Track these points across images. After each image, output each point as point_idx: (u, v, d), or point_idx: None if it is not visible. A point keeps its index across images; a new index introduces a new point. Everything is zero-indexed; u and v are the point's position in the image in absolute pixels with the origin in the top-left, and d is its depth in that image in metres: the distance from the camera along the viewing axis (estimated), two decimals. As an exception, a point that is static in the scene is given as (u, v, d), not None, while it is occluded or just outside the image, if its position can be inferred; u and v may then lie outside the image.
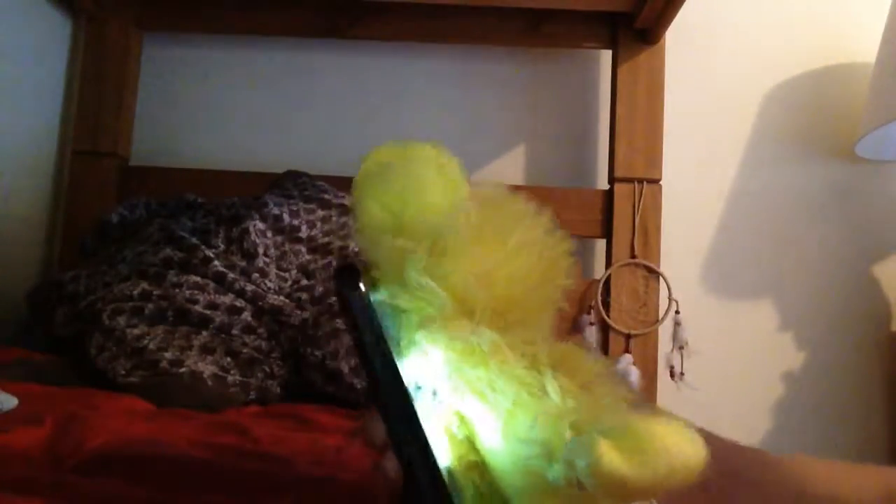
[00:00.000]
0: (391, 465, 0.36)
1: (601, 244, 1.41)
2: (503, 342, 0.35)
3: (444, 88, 1.52)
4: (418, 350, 0.36)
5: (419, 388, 0.36)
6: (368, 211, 0.39)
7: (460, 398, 0.35)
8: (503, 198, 0.42)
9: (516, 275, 0.38)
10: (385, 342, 0.36)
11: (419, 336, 0.36)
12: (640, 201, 1.35)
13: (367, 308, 0.36)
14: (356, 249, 1.12)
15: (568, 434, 0.31)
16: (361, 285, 0.37)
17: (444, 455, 0.35)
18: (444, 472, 0.34)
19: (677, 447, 0.28)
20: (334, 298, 1.06)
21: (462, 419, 0.36)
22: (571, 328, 1.34)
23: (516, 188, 1.38)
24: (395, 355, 0.36)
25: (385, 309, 0.37)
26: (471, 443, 0.35)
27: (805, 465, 0.46)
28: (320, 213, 1.16)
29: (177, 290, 1.00)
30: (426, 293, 0.36)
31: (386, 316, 0.37)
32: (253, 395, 0.95)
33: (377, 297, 0.37)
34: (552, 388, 0.33)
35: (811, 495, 0.44)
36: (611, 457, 0.27)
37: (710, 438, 0.44)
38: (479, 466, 0.35)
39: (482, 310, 0.36)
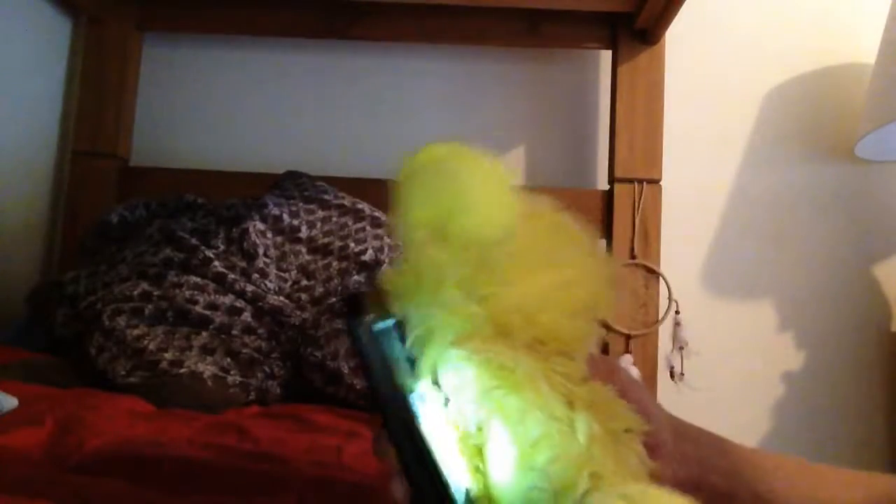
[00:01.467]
0: (399, 488, 0.36)
1: (601, 244, 1.41)
2: (541, 372, 0.34)
3: (444, 89, 1.52)
4: (448, 366, 0.35)
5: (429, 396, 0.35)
6: (415, 211, 0.38)
7: (484, 420, 0.34)
8: (554, 219, 0.40)
9: (562, 305, 0.36)
10: (395, 376, 0.35)
11: (452, 352, 0.35)
12: (639, 202, 1.35)
13: (375, 341, 0.36)
14: (356, 249, 1.12)
15: (585, 482, 0.30)
16: (367, 318, 0.36)
17: (449, 473, 0.35)
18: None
19: None
20: (334, 299, 1.06)
21: (469, 436, 0.35)
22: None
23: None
24: (408, 378, 0.35)
25: (411, 322, 0.36)
26: (476, 455, 0.35)
27: (792, 467, 0.47)
28: (320, 213, 1.16)
29: (177, 291, 1.00)
30: (465, 311, 0.35)
31: (410, 329, 0.36)
32: (253, 396, 0.95)
33: (395, 317, 0.36)
34: (582, 430, 0.32)
35: (797, 500, 0.44)
36: None
37: (707, 436, 0.44)
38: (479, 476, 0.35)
39: (522, 335, 0.35)
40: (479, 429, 0.35)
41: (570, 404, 0.34)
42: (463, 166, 0.39)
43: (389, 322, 0.37)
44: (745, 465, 0.45)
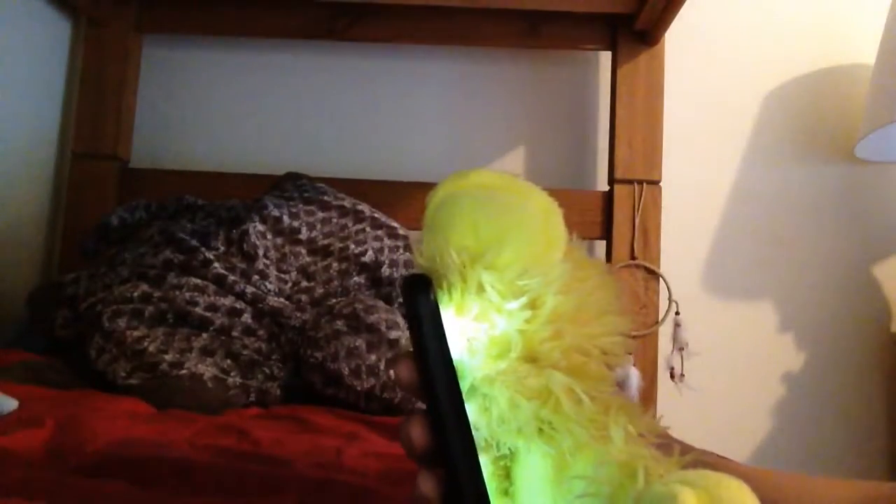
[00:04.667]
0: (428, 483, 0.35)
1: (601, 245, 1.41)
2: (576, 385, 0.34)
3: (444, 90, 1.52)
4: (480, 391, 0.35)
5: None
6: (460, 233, 0.36)
7: (515, 439, 0.34)
8: (588, 263, 0.39)
9: (586, 345, 0.36)
10: (450, 358, 0.35)
11: (480, 374, 0.35)
12: (639, 202, 1.36)
13: (438, 320, 0.35)
14: (356, 251, 1.12)
15: (641, 476, 0.30)
16: (432, 296, 0.35)
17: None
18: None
19: (744, 502, 0.29)
20: (334, 300, 1.06)
21: (502, 458, 0.35)
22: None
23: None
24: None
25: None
26: (505, 478, 0.35)
27: (792, 486, 0.46)
28: (320, 214, 1.16)
29: (177, 292, 1.00)
30: (503, 335, 0.35)
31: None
32: (253, 397, 0.95)
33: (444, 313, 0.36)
34: (617, 433, 0.32)
35: None
36: None
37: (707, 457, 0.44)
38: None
39: (552, 357, 0.35)
40: (511, 451, 0.34)
41: (605, 409, 0.34)
42: (522, 199, 0.38)
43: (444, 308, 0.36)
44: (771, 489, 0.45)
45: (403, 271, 1.13)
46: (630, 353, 0.40)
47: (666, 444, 0.41)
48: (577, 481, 0.32)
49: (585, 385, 0.34)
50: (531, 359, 0.35)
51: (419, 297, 0.35)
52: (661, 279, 1.35)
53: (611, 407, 0.34)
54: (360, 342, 0.98)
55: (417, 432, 0.35)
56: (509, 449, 0.34)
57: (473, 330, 0.35)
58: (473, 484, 0.33)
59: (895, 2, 1.29)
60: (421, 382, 0.35)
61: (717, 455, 0.45)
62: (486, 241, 0.36)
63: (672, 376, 1.39)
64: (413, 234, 1.20)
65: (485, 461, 0.35)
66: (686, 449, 0.42)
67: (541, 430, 0.33)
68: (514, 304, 0.35)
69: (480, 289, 0.35)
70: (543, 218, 0.38)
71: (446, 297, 0.36)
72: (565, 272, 0.36)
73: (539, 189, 0.40)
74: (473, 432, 0.34)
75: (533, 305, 0.35)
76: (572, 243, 0.40)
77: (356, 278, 1.10)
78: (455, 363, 0.35)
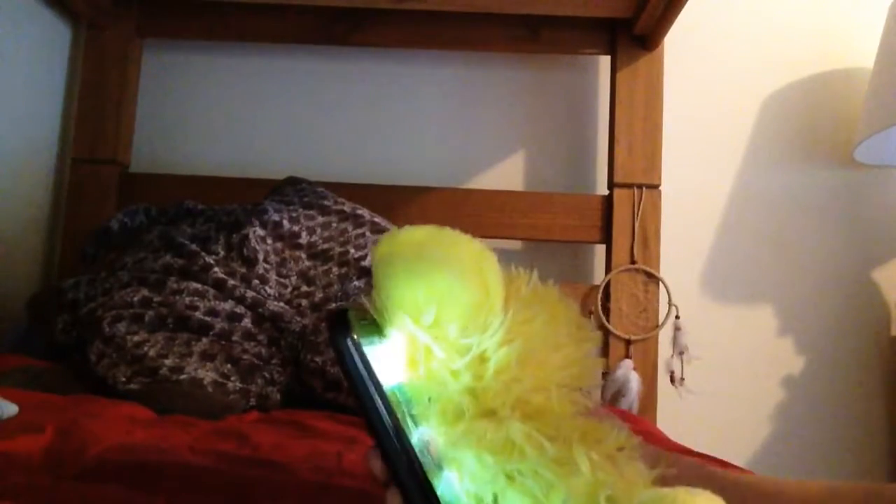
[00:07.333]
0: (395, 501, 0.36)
1: (601, 249, 1.41)
2: (533, 430, 0.35)
3: (444, 95, 1.52)
4: (448, 455, 0.36)
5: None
6: (398, 297, 0.37)
7: (496, 489, 0.35)
8: (534, 298, 0.39)
9: (544, 384, 0.37)
10: (381, 391, 0.36)
11: (443, 438, 0.36)
12: (639, 207, 1.36)
13: (362, 358, 0.36)
14: (356, 255, 1.12)
15: None
16: (354, 335, 0.36)
17: None
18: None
19: None
20: (334, 305, 1.06)
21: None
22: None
23: (516, 194, 1.38)
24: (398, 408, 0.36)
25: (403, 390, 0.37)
26: None
27: (792, 492, 0.46)
28: (320, 219, 1.16)
29: (177, 297, 1.00)
30: (454, 397, 0.36)
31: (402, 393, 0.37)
32: (253, 402, 0.95)
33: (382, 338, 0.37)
34: (582, 462, 0.33)
35: None
36: None
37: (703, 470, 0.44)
38: None
39: (506, 409, 0.36)
40: (495, 498, 0.35)
41: (565, 441, 0.35)
42: (453, 252, 0.38)
43: (376, 341, 0.37)
44: (744, 495, 0.45)
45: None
46: (601, 371, 0.41)
47: (654, 456, 0.41)
48: None
49: (548, 425, 0.35)
50: (489, 412, 0.36)
51: (338, 334, 0.36)
52: (660, 283, 1.35)
53: (573, 440, 0.35)
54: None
55: (374, 463, 0.37)
56: (494, 496, 0.35)
57: (427, 389, 0.36)
58: (420, 493, 0.35)
59: (893, 5, 1.29)
60: (359, 414, 0.37)
61: (720, 461, 0.45)
62: (422, 303, 0.36)
63: (672, 380, 1.39)
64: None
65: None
66: (671, 461, 0.43)
67: (511, 479, 0.34)
68: (458, 364, 0.36)
69: (427, 351, 0.36)
70: (475, 265, 0.38)
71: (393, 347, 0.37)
72: (508, 319, 0.36)
73: (467, 236, 0.39)
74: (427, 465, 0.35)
75: (481, 359, 0.36)
76: (516, 274, 0.40)
77: (356, 283, 1.10)
78: (388, 393, 0.36)
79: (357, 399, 0.36)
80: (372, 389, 0.36)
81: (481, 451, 0.35)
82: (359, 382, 0.36)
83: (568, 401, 0.37)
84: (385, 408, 0.35)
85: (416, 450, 0.35)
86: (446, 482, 0.35)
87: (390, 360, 0.37)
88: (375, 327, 0.38)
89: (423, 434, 0.36)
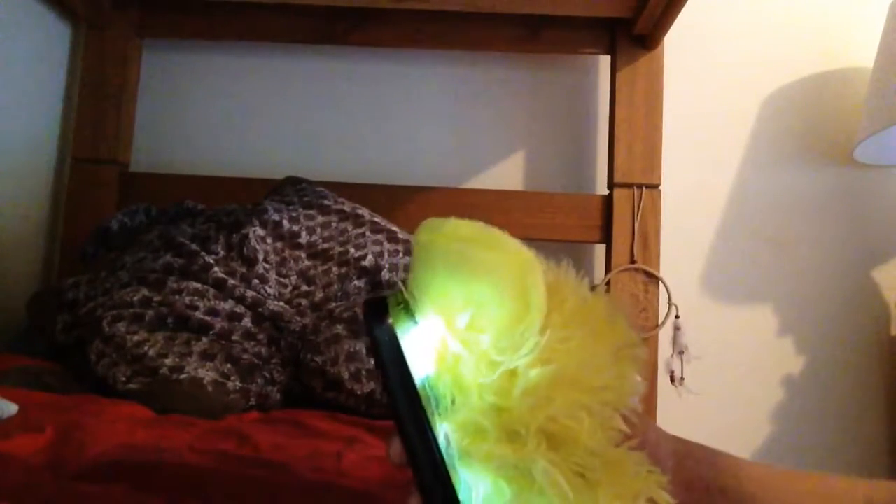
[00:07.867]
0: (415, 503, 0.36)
1: (601, 249, 1.41)
2: (556, 467, 0.33)
3: (444, 94, 1.52)
4: (462, 469, 0.35)
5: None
6: (437, 296, 0.35)
7: None
8: (579, 311, 0.37)
9: (577, 407, 0.35)
10: (412, 383, 0.35)
11: (463, 449, 0.35)
12: (639, 206, 1.36)
13: (396, 345, 0.35)
14: (356, 255, 1.12)
15: None
16: (390, 325, 0.35)
17: None
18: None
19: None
20: (334, 304, 1.06)
21: None
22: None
23: (515, 194, 1.37)
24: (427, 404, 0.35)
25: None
26: None
27: (800, 484, 0.46)
28: (320, 218, 1.16)
29: (177, 297, 1.00)
30: (477, 412, 0.35)
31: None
32: (253, 402, 0.95)
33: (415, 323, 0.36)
34: (603, 497, 0.33)
35: None
36: None
37: (715, 456, 0.44)
38: None
39: (533, 434, 0.34)
40: None
41: (588, 483, 0.33)
42: (493, 255, 0.35)
43: (410, 328, 0.36)
44: (756, 485, 0.45)
45: (403, 275, 1.13)
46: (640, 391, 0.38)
47: (685, 453, 0.41)
48: None
49: (574, 456, 0.34)
50: (512, 433, 0.34)
51: (375, 321, 0.35)
52: (660, 283, 1.35)
53: (600, 482, 0.33)
54: (361, 346, 0.98)
55: (395, 446, 0.37)
56: None
57: (452, 392, 0.35)
58: (441, 490, 0.34)
59: (893, 5, 1.29)
60: (387, 403, 0.36)
61: (728, 454, 0.45)
62: (458, 307, 0.34)
63: (672, 380, 1.39)
64: (413, 238, 1.20)
65: None
66: (699, 453, 0.42)
67: None
68: (485, 380, 0.34)
69: (456, 358, 0.35)
70: (519, 276, 0.35)
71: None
72: (545, 339, 0.34)
73: (515, 242, 0.37)
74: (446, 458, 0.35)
75: (511, 374, 0.34)
76: (564, 282, 0.38)
77: (356, 282, 1.10)
78: (419, 387, 0.35)
79: (386, 388, 0.35)
80: (405, 382, 0.35)
81: (499, 479, 0.34)
82: (392, 374, 0.35)
83: (600, 429, 0.35)
84: (415, 401, 0.35)
85: (440, 445, 0.35)
86: (465, 483, 0.35)
87: (421, 349, 0.35)
88: (409, 313, 0.36)
89: (447, 429, 0.35)
